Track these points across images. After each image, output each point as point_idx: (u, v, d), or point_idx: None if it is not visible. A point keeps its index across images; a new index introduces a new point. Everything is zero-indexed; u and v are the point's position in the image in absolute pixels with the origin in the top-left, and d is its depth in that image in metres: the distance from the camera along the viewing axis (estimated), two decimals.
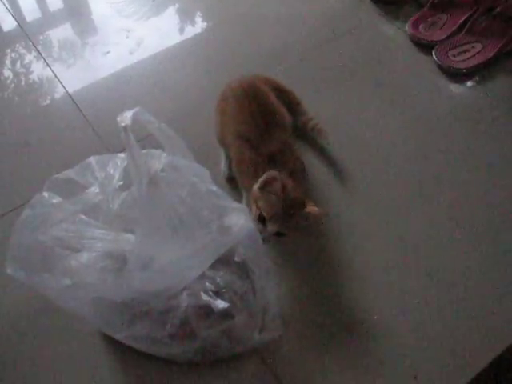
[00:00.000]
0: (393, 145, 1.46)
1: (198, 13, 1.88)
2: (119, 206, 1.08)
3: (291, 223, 1.11)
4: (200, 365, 1.09)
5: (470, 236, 1.29)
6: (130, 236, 1.00)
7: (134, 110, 0.88)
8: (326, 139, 1.41)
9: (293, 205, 1.10)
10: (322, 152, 1.43)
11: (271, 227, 1.10)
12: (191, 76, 1.65)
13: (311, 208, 1.10)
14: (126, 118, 0.86)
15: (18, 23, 1.83)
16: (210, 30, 1.82)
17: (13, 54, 1.75)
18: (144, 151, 0.98)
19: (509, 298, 1.19)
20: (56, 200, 1.01)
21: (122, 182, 1.04)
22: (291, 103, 1.41)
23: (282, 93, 1.39)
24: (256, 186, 1.12)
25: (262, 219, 1.10)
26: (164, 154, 0.96)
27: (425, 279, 1.22)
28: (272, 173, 1.09)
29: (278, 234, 1.13)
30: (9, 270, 0.93)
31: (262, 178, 1.11)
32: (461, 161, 1.42)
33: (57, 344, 1.14)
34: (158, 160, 0.90)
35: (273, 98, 1.30)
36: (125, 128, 0.85)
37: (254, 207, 1.12)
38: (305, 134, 1.43)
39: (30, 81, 1.66)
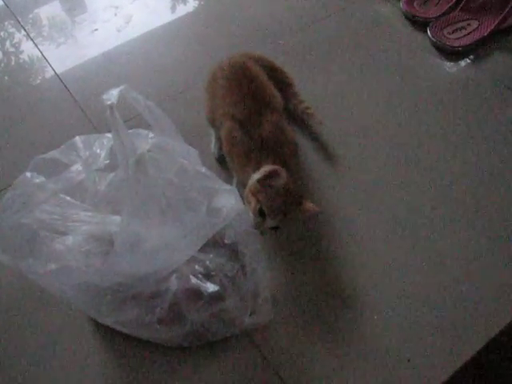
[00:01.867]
0: (386, 124, 1.43)
1: None
2: (106, 186, 1.06)
3: (288, 218, 1.11)
4: (190, 348, 1.08)
5: (465, 217, 1.27)
6: (116, 218, 0.97)
7: (120, 88, 0.86)
8: (316, 124, 1.39)
9: (292, 201, 1.09)
10: (312, 134, 1.41)
11: (271, 222, 1.09)
12: (181, 54, 1.61)
13: (308, 205, 1.10)
14: (112, 95, 0.84)
15: (4, 2, 1.78)
16: (199, 7, 1.78)
17: (2, 33, 1.70)
18: (130, 131, 0.96)
19: (503, 282, 1.17)
20: (39, 180, 0.98)
21: (108, 161, 1.02)
22: (283, 83, 1.38)
23: (274, 72, 1.37)
24: (255, 178, 1.10)
25: (261, 213, 1.09)
26: (151, 134, 0.94)
27: (419, 264, 1.20)
28: (275, 167, 1.08)
29: (273, 228, 1.12)
30: None
31: (263, 170, 1.09)
32: (456, 138, 1.40)
33: (42, 326, 1.12)
34: (145, 140, 0.87)
35: (264, 78, 1.27)
36: (110, 106, 0.82)
37: (253, 200, 1.09)
38: (294, 115, 1.40)
39: (19, 61, 1.62)
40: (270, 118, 1.18)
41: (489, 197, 1.30)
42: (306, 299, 1.15)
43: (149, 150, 0.86)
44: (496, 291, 1.16)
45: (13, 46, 1.67)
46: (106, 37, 1.67)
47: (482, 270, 1.19)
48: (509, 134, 1.42)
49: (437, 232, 1.25)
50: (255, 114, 1.18)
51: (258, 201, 1.08)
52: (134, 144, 0.86)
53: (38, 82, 1.57)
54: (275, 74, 1.36)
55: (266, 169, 1.09)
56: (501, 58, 1.59)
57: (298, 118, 1.40)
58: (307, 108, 1.38)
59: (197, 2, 1.80)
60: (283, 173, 1.07)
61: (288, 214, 1.10)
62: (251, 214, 1.09)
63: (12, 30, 1.71)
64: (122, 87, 0.86)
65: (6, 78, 1.59)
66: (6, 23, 1.73)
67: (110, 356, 1.09)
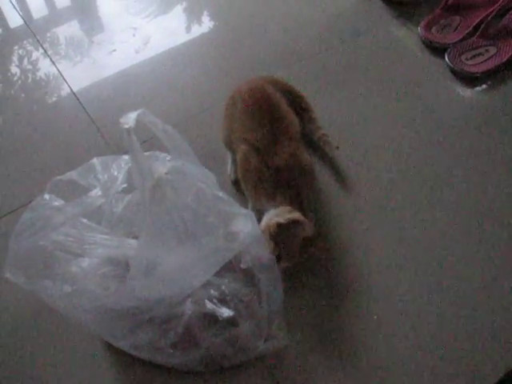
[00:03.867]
0: (403, 150, 1.42)
1: (206, 12, 1.84)
2: (122, 209, 1.06)
3: (301, 258, 1.13)
4: (204, 373, 1.06)
5: (479, 241, 1.26)
6: (132, 241, 0.97)
7: (137, 112, 0.86)
8: (331, 152, 1.38)
9: (306, 244, 1.11)
10: (327, 158, 1.40)
11: (284, 264, 1.11)
12: (198, 77, 1.62)
13: (320, 246, 1.13)
14: (130, 119, 0.83)
15: (24, 21, 1.80)
16: (217, 30, 1.79)
17: (19, 51, 1.72)
18: (148, 153, 0.96)
19: None
20: (58, 202, 0.98)
21: (125, 185, 1.02)
22: (301, 108, 1.38)
23: (292, 97, 1.37)
24: (276, 220, 1.09)
25: (277, 256, 1.09)
26: (169, 157, 0.94)
27: (430, 287, 1.19)
28: (299, 217, 1.08)
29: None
30: (7, 275, 0.91)
31: (288, 217, 1.09)
32: (473, 165, 1.39)
33: (56, 349, 1.11)
34: (163, 164, 0.87)
35: (283, 104, 1.26)
36: (128, 130, 0.82)
37: (271, 243, 1.09)
38: (311, 140, 1.39)
39: (36, 78, 1.64)
40: (287, 148, 1.18)
41: (504, 219, 1.29)
42: (321, 324, 1.14)
43: (166, 174, 0.86)
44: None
45: (30, 63, 1.68)
46: (124, 57, 1.68)
47: (499, 295, 1.18)
48: None
49: (452, 254, 1.24)
50: (272, 141, 1.17)
51: (275, 245, 1.08)
52: (152, 168, 0.85)
53: (55, 100, 1.58)
54: (294, 99, 1.36)
55: (289, 215, 1.09)
56: None
57: (315, 143, 1.39)
58: (324, 135, 1.37)
59: (212, 24, 1.81)
60: (306, 225, 1.09)
61: (301, 257, 1.12)
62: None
63: (30, 47, 1.72)
64: (139, 111, 0.86)
65: (23, 95, 1.60)
66: (25, 42, 1.74)
67: (122, 379, 1.08)
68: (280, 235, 1.08)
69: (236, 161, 1.26)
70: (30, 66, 1.67)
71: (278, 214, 1.11)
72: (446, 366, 1.09)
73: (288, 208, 1.12)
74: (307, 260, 1.15)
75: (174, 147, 0.94)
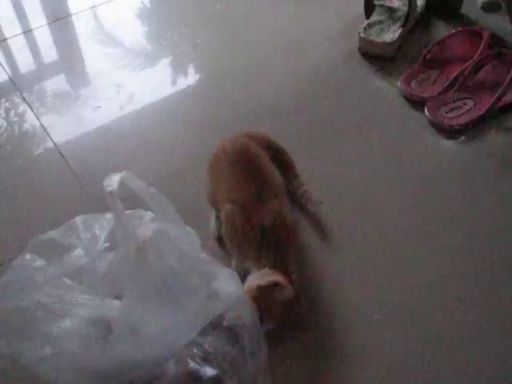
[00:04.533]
0: (385, 203, 1.44)
1: (191, 66, 1.88)
2: (105, 268, 1.05)
3: (283, 318, 1.12)
4: None
5: (473, 293, 1.26)
6: (115, 302, 0.96)
7: (120, 174, 0.86)
8: (314, 209, 1.39)
9: (290, 305, 1.11)
10: (309, 213, 1.41)
11: (267, 326, 1.10)
12: (181, 132, 1.63)
13: (302, 306, 1.14)
14: (113, 182, 0.84)
15: (9, 76, 1.81)
16: (201, 84, 1.82)
17: (8, 103, 1.73)
18: (130, 211, 0.96)
19: None
20: (39, 262, 0.98)
21: (107, 244, 1.02)
22: (285, 164, 1.39)
23: (276, 153, 1.38)
24: (257, 283, 1.09)
25: (260, 318, 1.08)
26: (151, 217, 0.94)
27: (422, 339, 1.18)
28: (280, 280, 1.08)
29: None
30: None
31: (267, 279, 1.09)
32: (455, 217, 1.40)
33: None
34: (147, 226, 0.87)
35: (267, 162, 1.28)
36: (111, 193, 0.83)
37: (252, 305, 1.08)
38: (293, 196, 1.40)
39: (24, 130, 1.64)
40: (272, 207, 1.18)
41: (495, 264, 1.31)
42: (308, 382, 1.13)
43: (150, 237, 0.86)
44: None
45: (18, 115, 1.69)
46: (108, 113, 1.69)
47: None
48: (506, 206, 1.43)
49: (445, 310, 1.24)
50: (257, 200, 1.18)
51: (257, 307, 1.07)
52: (136, 230, 0.86)
53: (39, 154, 1.58)
54: (277, 156, 1.38)
55: (269, 278, 1.09)
56: (498, 136, 1.61)
57: (297, 199, 1.40)
58: (306, 192, 1.39)
59: (197, 77, 1.85)
60: (287, 288, 1.08)
61: (283, 319, 1.11)
62: None
63: (18, 100, 1.73)
64: (123, 173, 0.87)
65: (9, 147, 1.61)
66: (12, 94, 1.76)
67: None
68: (260, 297, 1.08)
69: (220, 218, 1.26)
70: (15, 119, 1.68)
71: (259, 277, 1.11)
72: None
73: (270, 271, 1.12)
74: (289, 321, 1.14)
75: (157, 208, 0.94)
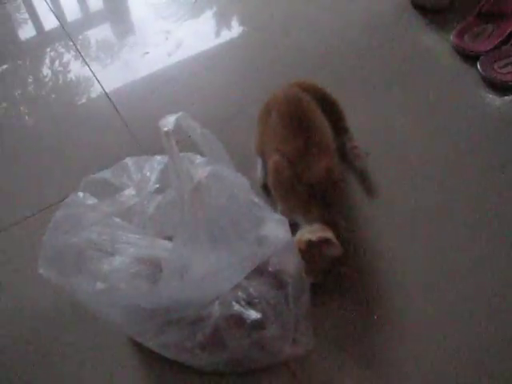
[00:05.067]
0: (432, 159, 1.41)
1: (237, 16, 1.86)
2: (154, 209, 1.07)
3: (327, 278, 1.13)
4: (229, 374, 1.07)
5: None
6: (164, 242, 0.98)
7: (176, 115, 0.86)
8: (361, 165, 1.37)
9: (334, 264, 1.11)
10: (356, 170, 1.39)
11: (309, 280, 1.09)
12: (229, 81, 1.63)
13: (348, 269, 1.14)
14: (169, 122, 0.85)
15: (60, 22, 1.83)
16: (248, 34, 1.80)
17: (53, 53, 1.75)
18: (182, 154, 0.97)
19: None
20: (91, 201, 1.00)
21: (158, 185, 1.03)
22: (335, 117, 1.37)
23: (327, 105, 1.35)
24: (308, 237, 1.09)
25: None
26: (203, 160, 0.95)
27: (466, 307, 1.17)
28: (332, 238, 1.07)
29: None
30: (41, 270, 0.93)
31: (319, 235, 1.08)
32: (504, 178, 1.37)
33: (84, 347, 1.13)
34: (202, 168, 0.88)
35: (318, 116, 1.25)
36: (167, 133, 0.83)
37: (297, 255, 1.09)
38: (341, 150, 1.38)
39: (68, 79, 1.66)
40: (321, 162, 1.16)
41: None
42: (346, 333, 1.14)
43: (206, 177, 0.87)
44: None
45: (62, 65, 1.70)
46: (157, 60, 1.69)
47: None
48: None
49: (481, 264, 1.22)
50: (305, 154, 1.16)
51: (302, 259, 1.08)
52: (190, 171, 0.86)
53: (88, 100, 1.61)
54: (328, 107, 1.35)
55: (321, 233, 1.08)
56: None
57: (345, 153, 1.39)
58: (355, 147, 1.37)
59: (243, 28, 1.82)
60: (337, 245, 1.07)
61: (326, 273, 1.12)
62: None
63: (63, 49, 1.75)
64: (179, 114, 0.87)
65: (54, 96, 1.63)
66: (59, 43, 1.77)
67: (149, 378, 1.09)
68: (309, 252, 1.08)
69: (266, 167, 1.26)
70: (61, 68, 1.70)
71: (310, 231, 1.11)
72: None
73: (321, 226, 1.11)
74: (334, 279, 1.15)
75: (210, 151, 0.95)
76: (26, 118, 1.57)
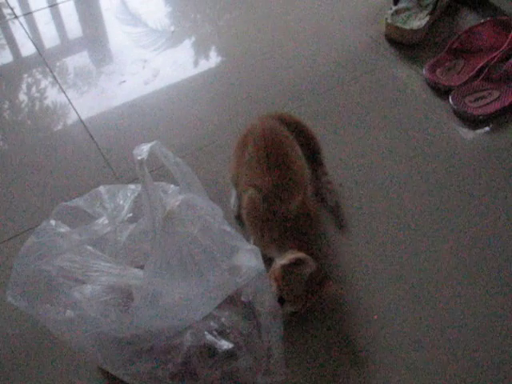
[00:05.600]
0: (404, 190, 1.43)
1: (215, 47, 1.87)
2: (126, 238, 1.07)
3: (308, 303, 1.11)
4: None
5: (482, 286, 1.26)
6: (136, 270, 0.97)
7: (151, 144, 0.87)
8: (333, 201, 1.38)
9: (313, 287, 1.09)
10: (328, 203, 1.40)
11: (289, 309, 1.10)
12: (205, 110, 1.64)
13: (330, 288, 1.11)
14: (143, 151, 0.85)
15: (37, 49, 1.83)
16: (225, 65, 1.82)
17: (29, 79, 1.74)
18: (156, 183, 0.97)
19: None
20: (63, 229, 0.99)
21: (130, 214, 1.03)
22: (312, 150, 1.39)
23: (304, 137, 1.37)
24: (280, 263, 1.09)
25: (280, 299, 1.09)
26: (176, 189, 0.95)
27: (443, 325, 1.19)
28: (301, 255, 1.08)
29: (293, 313, 1.13)
30: (9, 298, 0.92)
31: (289, 257, 1.09)
32: (474, 208, 1.40)
33: (52, 377, 1.11)
34: (174, 196, 0.88)
35: (295, 150, 1.26)
36: (140, 162, 0.83)
37: (273, 284, 1.09)
38: (315, 183, 1.40)
39: (44, 106, 1.65)
40: (296, 196, 1.17)
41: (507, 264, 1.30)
42: (320, 365, 1.13)
43: (178, 206, 0.87)
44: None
45: (39, 91, 1.70)
46: (133, 88, 1.70)
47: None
48: None
49: (454, 300, 1.24)
50: (281, 189, 1.17)
51: (279, 287, 1.08)
52: (163, 200, 0.86)
53: (63, 127, 1.60)
54: (305, 140, 1.37)
55: (291, 256, 1.09)
56: None
57: (318, 187, 1.40)
58: (328, 183, 1.38)
59: (221, 58, 1.84)
60: (310, 262, 1.07)
61: (308, 299, 1.10)
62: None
63: (40, 76, 1.75)
64: (153, 142, 0.87)
65: (29, 122, 1.62)
66: (35, 70, 1.77)
67: None
68: (285, 278, 1.08)
69: (240, 198, 1.27)
70: (38, 94, 1.69)
71: (281, 259, 1.11)
72: None
73: (293, 251, 1.11)
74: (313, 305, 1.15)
75: (184, 180, 0.95)
76: (0, 143, 1.56)
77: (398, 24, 1.80)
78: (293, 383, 1.11)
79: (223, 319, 1.03)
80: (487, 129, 1.60)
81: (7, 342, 1.16)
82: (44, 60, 1.79)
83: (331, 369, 1.12)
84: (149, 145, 0.86)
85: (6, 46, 1.88)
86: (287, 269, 1.08)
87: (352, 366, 1.13)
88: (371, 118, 1.62)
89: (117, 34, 1.93)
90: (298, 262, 1.07)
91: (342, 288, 1.20)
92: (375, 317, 1.19)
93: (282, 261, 1.10)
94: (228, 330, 1.03)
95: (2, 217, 1.37)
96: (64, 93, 1.68)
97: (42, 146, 1.55)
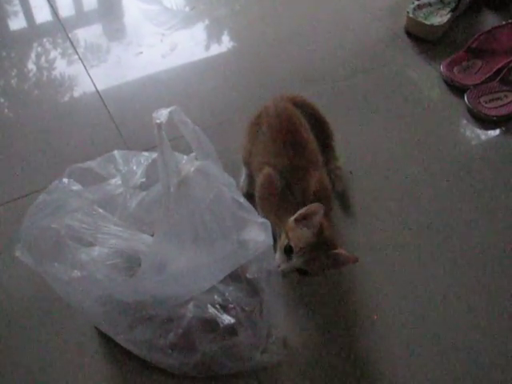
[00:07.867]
0: (414, 185, 1.43)
1: (232, 30, 1.87)
2: (136, 205, 1.06)
3: (317, 262, 1.07)
4: (196, 378, 1.05)
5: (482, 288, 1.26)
6: (145, 236, 0.97)
7: (170, 109, 0.86)
8: (340, 187, 1.37)
9: (324, 243, 1.06)
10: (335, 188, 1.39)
11: (296, 260, 1.06)
12: (220, 89, 1.63)
13: (341, 250, 1.07)
14: (162, 115, 0.84)
15: (56, 15, 1.82)
16: (241, 46, 1.81)
17: (48, 45, 1.74)
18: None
19: None
20: (75, 187, 0.99)
21: (143, 180, 1.03)
22: (323, 134, 1.37)
23: (317, 121, 1.36)
24: (293, 217, 1.08)
25: (288, 250, 1.07)
26: (192, 156, 0.94)
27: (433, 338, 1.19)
28: (316, 206, 1.05)
29: (301, 272, 1.09)
30: (17, 253, 0.91)
31: (302, 210, 1.07)
32: (484, 205, 1.40)
33: (50, 337, 1.11)
34: (190, 162, 0.87)
35: (307, 132, 1.25)
36: (159, 125, 0.83)
37: (283, 236, 1.08)
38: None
39: (61, 74, 1.65)
40: (313, 175, 1.17)
41: None
42: (318, 344, 1.14)
43: (193, 171, 0.86)
44: None
45: (56, 59, 1.70)
46: (150, 61, 1.69)
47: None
48: None
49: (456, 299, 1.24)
50: (298, 167, 1.17)
51: (287, 237, 1.07)
52: (179, 165, 0.86)
53: (80, 95, 1.60)
54: (318, 124, 1.36)
55: (305, 208, 1.07)
56: None
57: (327, 171, 1.38)
58: (338, 168, 1.38)
59: (239, 41, 1.83)
60: (320, 207, 1.04)
61: (317, 256, 1.06)
62: (277, 252, 1.08)
63: (59, 42, 1.74)
64: (172, 108, 0.87)
65: (52, 86, 1.63)
66: (54, 37, 1.77)
67: (115, 375, 1.07)
68: (295, 229, 1.07)
69: (250, 176, 1.27)
70: (59, 59, 1.70)
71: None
72: None
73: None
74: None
75: (200, 148, 0.94)
76: (18, 107, 1.56)
77: (419, 19, 1.80)
78: (289, 364, 1.10)
79: (227, 294, 1.04)
80: (500, 130, 1.59)
81: (10, 295, 1.17)
82: (63, 27, 1.78)
83: (330, 360, 1.12)
84: (168, 109, 0.86)
85: (33, 10, 1.88)
86: (299, 221, 1.07)
87: (347, 360, 1.12)
88: (385, 109, 1.61)
89: (133, 10, 1.92)
90: (310, 213, 1.06)
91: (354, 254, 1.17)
92: (375, 317, 1.18)
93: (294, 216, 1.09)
94: (231, 306, 1.03)
95: (14, 176, 1.38)
96: (81, 61, 1.67)
97: (58, 112, 1.55)
